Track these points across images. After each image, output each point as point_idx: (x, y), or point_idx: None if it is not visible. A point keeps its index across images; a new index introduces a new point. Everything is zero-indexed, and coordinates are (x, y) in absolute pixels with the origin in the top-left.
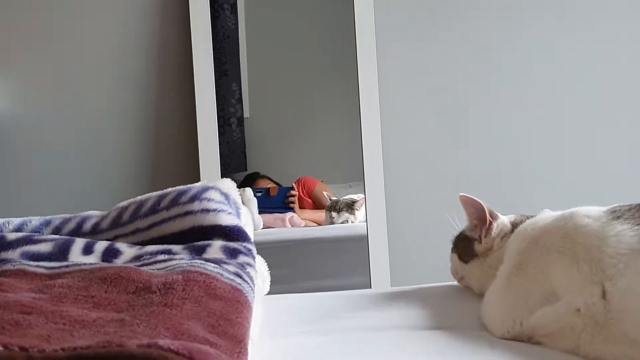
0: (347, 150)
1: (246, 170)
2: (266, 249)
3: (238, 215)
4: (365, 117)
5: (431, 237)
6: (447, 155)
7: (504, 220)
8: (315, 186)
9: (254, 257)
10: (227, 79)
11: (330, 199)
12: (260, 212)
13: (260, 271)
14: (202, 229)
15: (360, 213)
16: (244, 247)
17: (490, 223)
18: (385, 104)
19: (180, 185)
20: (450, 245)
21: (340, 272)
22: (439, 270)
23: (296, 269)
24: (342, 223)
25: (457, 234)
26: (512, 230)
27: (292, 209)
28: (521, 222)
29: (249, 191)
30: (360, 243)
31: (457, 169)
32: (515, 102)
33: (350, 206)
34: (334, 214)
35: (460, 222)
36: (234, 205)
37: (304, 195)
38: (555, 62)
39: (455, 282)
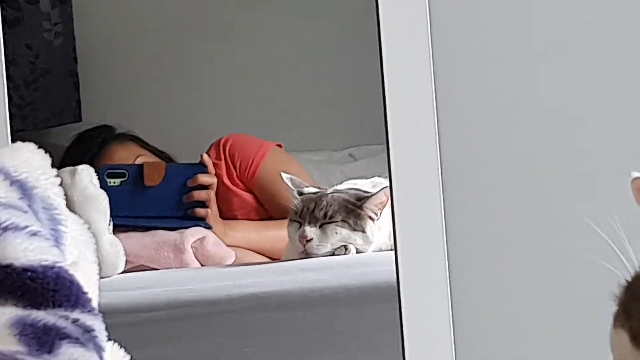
0: (347, 67)
1: (80, 120)
2: (137, 325)
3: (57, 238)
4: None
5: (554, 290)
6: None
7: None
8: (262, 158)
9: (99, 349)
10: None
11: (299, 192)
12: (118, 228)
13: None
14: None
15: (378, 228)
16: (74, 322)
17: None
18: None
19: None
20: (610, 310)
21: None
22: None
23: None
24: (331, 253)
25: (628, 278)
26: None
27: (202, 220)
28: None
29: (86, 174)
30: (379, 305)
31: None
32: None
33: (353, 210)
34: (309, 229)
35: (635, 247)
36: (43, 212)
37: (234, 184)
38: None
39: None
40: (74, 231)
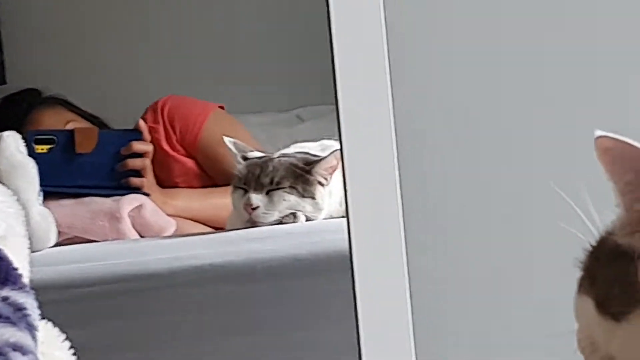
0: (292, 23)
1: (4, 83)
2: (71, 302)
3: None
4: None
5: (516, 255)
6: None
7: None
8: (203, 121)
9: (31, 328)
10: None
11: (244, 157)
12: (49, 196)
13: None
14: None
15: (328, 193)
16: (4, 300)
17: None
18: None
19: None
20: (574, 275)
21: (273, 357)
22: (539, 343)
23: (159, 355)
24: (279, 221)
25: (593, 242)
26: None
27: (139, 189)
28: None
29: (12, 141)
30: (331, 275)
31: None
32: None
33: (302, 175)
34: (255, 196)
35: (600, 210)
36: None
37: (174, 149)
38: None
39: None
40: (2, 203)
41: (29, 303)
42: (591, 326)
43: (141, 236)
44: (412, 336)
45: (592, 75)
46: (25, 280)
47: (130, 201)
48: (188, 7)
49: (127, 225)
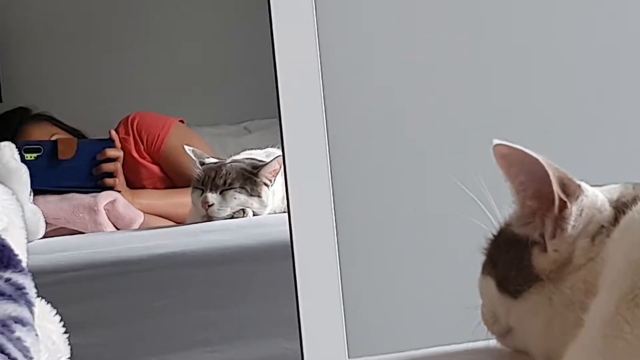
0: (237, 53)
1: (1, 101)
2: (59, 284)
3: None
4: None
5: (430, 242)
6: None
7: (594, 197)
8: (166, 133)
9: (30, 304)
10: None
11: (201, 163)
12: (39, 193)
13: (47, 337)
14: None
15: (272, 193)
16: (7, 281)
17: (564, 205)
18: None
19: None
20: (478, 259)
21: (227, 331)
22: (449, 317)
23: (132, 328)
24: (231, 216)
25: (494, 232)
26: (615, 219)
27: (112, 188)
28: (635, 200)
29: (8, 150)
30: (273, 263)
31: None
32: None
33: (250, 177)
34: (211, 195)
35: (499, 205)
36: None
37: (141, 156)
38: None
39: (491, 341)
40: (4, 200)
41: (27, 284)
42: (493, 302)
43: (115, 226)
44: (342, 309)
45: (492, 88)
46: (24, 264)
47: (106, 197)
48: (152, 39)
49: (103, 216)
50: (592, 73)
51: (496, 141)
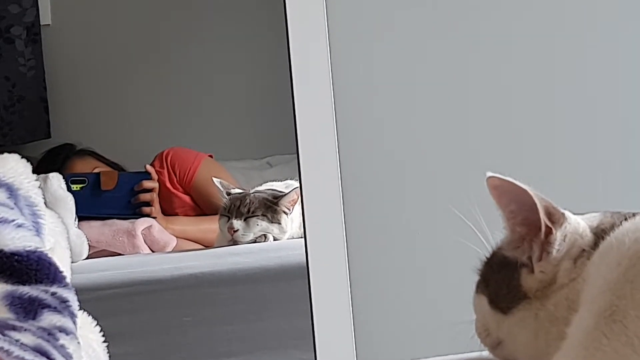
0: (261, 96)
1: (49, 137)
2: (100, 299)
3: (38, 229)
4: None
5: (430, 264)
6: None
7: (576, 224)
8: (197, 167)
9: (73, 316)
10: None
11: (227, 193)
12: (83, 220)
13: (88, 345)
14: None
15: (290, 220)
16: (53, 294)
17: (550, 231)
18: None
19: None
20: (473, 279)
21: (248, 343)
22: (448, 330)
23: (164, 340)
24: (254, 241)
25: (487, 254)
26: (595, 244)
27: (148, 215)
28: (612, 227)
29: (56, 180)
30: (291, 283)
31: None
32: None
33: (271, 206)
34: (236, 222)
35: (492, 231)
36: (26, 208)
37: (174, 187)
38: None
39: (484, 352)
40: (51, 223)
41: (71, 297)
42: (485, 317)
43: (151, 249)
44: (352, 324)
45: (486, 118)
46: (68, 280)
47: (143, 223)
48: (186, 82)
49: (140, 240)
50: (576, 115)
51: (489, 174)
